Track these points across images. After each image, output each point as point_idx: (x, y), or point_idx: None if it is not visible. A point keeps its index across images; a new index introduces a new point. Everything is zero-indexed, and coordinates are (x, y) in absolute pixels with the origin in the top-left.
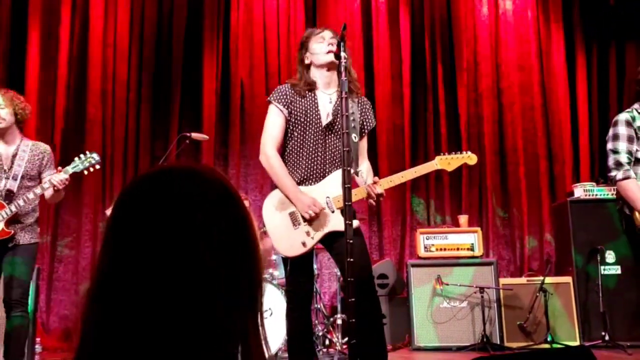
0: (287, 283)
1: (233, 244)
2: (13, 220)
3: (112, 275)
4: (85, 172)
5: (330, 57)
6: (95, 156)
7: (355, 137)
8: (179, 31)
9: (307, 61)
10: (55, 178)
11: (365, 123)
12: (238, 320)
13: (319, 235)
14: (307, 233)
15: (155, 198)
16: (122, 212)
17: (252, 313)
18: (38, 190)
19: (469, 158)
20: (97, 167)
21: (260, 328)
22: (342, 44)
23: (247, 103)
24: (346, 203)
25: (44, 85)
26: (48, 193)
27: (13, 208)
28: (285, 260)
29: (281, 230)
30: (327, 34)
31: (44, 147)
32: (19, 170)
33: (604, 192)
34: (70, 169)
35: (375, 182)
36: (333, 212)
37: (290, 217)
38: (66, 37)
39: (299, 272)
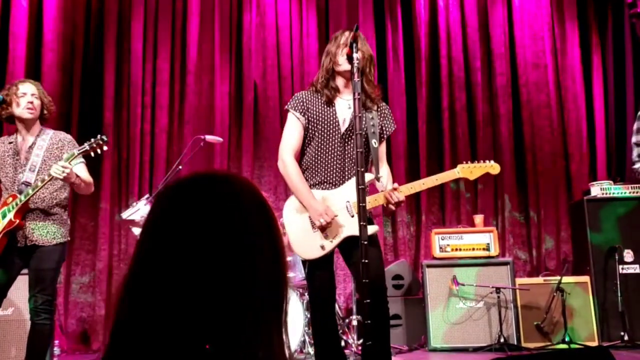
0: (309, 285)
1: (262, 250)
2: (33, 217)
3: (144, 274)
4: (92, 154)
5: (346, 66)
6: (104, 137)
7: (375, 143)
8: (191, 33)
9: (329, 66)
10: (53, 168)
11: (384, 128)
12: (263, 322)
13: (337, 239)
14: (326, 236)
15: (190, 203)
16: (158, 214)
17: (277, 317)
18: (40, 183)
19: (492, 167)
20: (105, 147)
21: (284, 332)
22: (354, 45)
23: (260, 105)
24: (360, 204)
25: (61, 90)
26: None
27: (23, 197)
28: (304, 262)
29: (300, 234)
30: (343, 38)
31: (64, 135)
32: (36, 161)
33: (620, 190)
34: (76, 151)
35: (395, 189)
36: (353, 216)
37: (310, 221)
38: (80, 41)
39: (319, 273)
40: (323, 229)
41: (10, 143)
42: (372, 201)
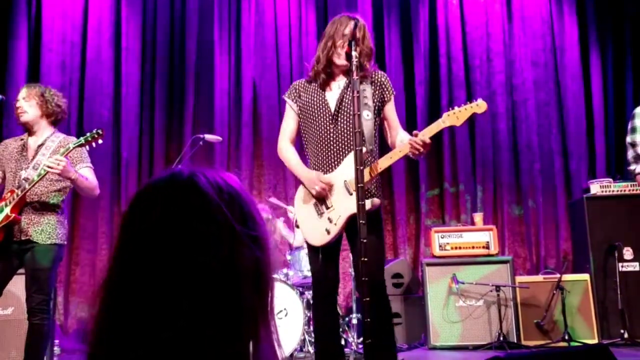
0: (313, 272)
1: (237, 247)
2: (29, 213)
3: (122, 277)
4: (87, 147)
5: (344, 62)
6: (99, 130)
7: (367, 115)
8: (190, 33)
9: (330, 54)
10: (47, 161)
11: (383, 95)
12: (247, 321)
13: (340, 221)
14: (330, 220)
15: (160, 206)
16: (131, 218)
17: (263, 313)
18: (35, 177)
19: (478, 107)
20: (100, 141)
21: (273, 329)
22: (353, 43)
23: (259, 104)
24: (359, 203)
25: (59, 89)
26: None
27: (19, 192)
28: (316, 250)
29: (308, 221)
30: (347, 30)
31: (72, 138)
32: (41, 160)
33: (620, 188)
34: (72, 145)
35: (415, 134)
36: (351, 194)
37: (314, 207)
38: (79, 40)
39: (323, 268)
40: (321, 200)
41: (22, 140)
42: (395, 155)
